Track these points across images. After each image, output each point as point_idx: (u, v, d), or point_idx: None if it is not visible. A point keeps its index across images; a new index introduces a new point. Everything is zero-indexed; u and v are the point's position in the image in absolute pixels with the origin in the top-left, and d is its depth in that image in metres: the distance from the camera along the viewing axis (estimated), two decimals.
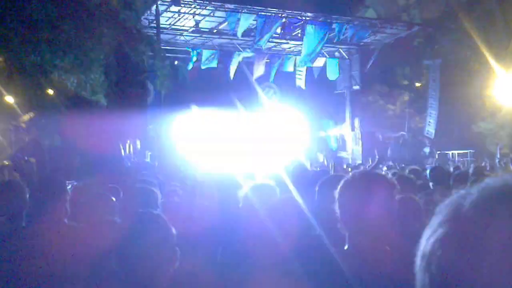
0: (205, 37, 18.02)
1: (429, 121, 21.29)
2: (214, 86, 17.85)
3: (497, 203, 0.68)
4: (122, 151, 15.05)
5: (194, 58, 17.98)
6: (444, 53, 21.03)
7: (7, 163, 13.66)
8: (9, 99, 16.38)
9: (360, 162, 17.16)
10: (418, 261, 0.75)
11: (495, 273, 0.64)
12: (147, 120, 15.44)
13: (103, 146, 13.85)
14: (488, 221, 0.67)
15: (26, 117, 15.46)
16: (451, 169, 8.88)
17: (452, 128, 20.42)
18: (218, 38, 18.09)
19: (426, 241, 0.73)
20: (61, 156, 14.12)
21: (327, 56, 20.14)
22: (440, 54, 21.09)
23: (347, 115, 21.37)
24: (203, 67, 18.16)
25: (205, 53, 18.14)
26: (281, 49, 19.63)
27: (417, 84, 22.09)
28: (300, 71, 19.81)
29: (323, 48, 18.69)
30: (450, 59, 20.67)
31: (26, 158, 14.04)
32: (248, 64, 19.25)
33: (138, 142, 15.99)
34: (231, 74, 18.54)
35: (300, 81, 19.92)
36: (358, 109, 20.91)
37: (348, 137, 20.97)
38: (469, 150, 19.14)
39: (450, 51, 20.81)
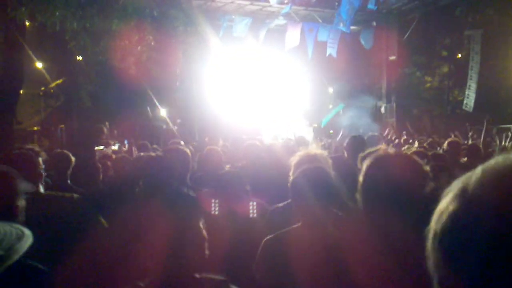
0: (238, 3, 17.44)
1: (468, 94, 20.48)
2: (243, 55, 17.49)
3: (499, 183, 0.69)
4: (150, 114, 14.79)
5: (225, 25, 17.48)
6: (486, 23, 20.03)
7: (36, 129, 13.56)
8: (39, 65, 16.16)
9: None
10: (430, 240, 0.75)
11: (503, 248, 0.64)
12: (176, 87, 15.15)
13: (133, 111, 13.66)
14: (492, 199, 0.68)
15: (55, 83, 15.29)
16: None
17: (493, 102, 19.54)
18: (251, 4, 17.49)
19: (437, 220, 0.75)
20: (90, 121, 13.92)
21: (363, 25, 19.34)
22: (483, 24, 20.11)
23: (383, 86, 20.58)
24: (234, 34, 17.63)
25: (237, 20, 17.60)
26: (315, 17, 18.86)
27: (457, 56, 21.12)
28: (333, 39, 18.96)
29: (359, 16, 17.93)
30: (493, 29, 19.71)
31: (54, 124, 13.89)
32: (280, 32, 18.61)
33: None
34: (260, 40, 18.08)
35: (332, 50, 19.05)
36: (394, 81, 20.10)
37: (383, 110, 20.26)
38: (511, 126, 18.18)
39: (493, 21, 19.82)
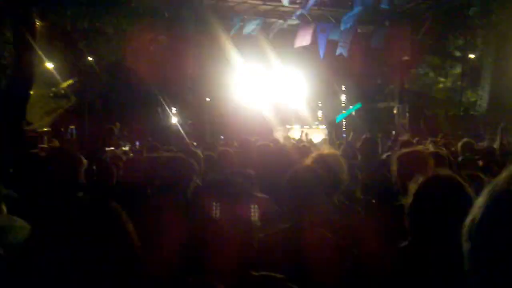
0: (250, 3, 17.27)
1: (481, 95, 20.26)
2: (254, 52, 17.48)
3: None
4: (160, 114, 14.70)
5: (237, 25, 17.33)
6: (500, 23, 19.78)
7: (46, 130, 13.52)
8: (49, 65, 16.15)
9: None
10: (464, 231, 0.79)
11: None
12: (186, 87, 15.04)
13: (143, 112, 13.58)
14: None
15: (65, 83, 15.27)
16: None
17: (506, 102, 19.31)
18: (263, 4, 17.33)
19: (470, 214, 0.78)
20: (101, 122, 13.86)
21: (375, 25, 19.12)
22: (496, 25, 19.87)
23: (396, 87, 20.33)
24: (245, 33, 17.46)
25: (249, 20, 17.45)
26: (327, 16, 18.62)
27: (471, 56, 20.87)
28: (345, 39, 18.68)
29: (372, 16, 17.75)
30: (507, 30, 19.46)
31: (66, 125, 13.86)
32: (292, 32, 18.43)
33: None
34: (271, 39, 17.99)
35: (343, 49, 18.76)
36: (407, 81, 19.89)
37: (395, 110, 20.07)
38: None
39: (507, 21, 19.57)
